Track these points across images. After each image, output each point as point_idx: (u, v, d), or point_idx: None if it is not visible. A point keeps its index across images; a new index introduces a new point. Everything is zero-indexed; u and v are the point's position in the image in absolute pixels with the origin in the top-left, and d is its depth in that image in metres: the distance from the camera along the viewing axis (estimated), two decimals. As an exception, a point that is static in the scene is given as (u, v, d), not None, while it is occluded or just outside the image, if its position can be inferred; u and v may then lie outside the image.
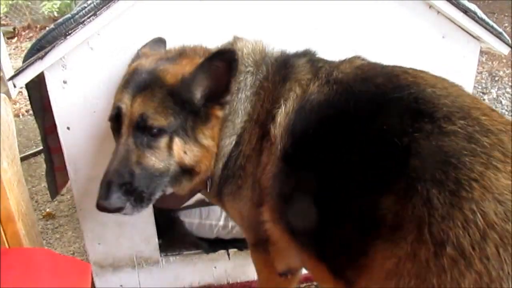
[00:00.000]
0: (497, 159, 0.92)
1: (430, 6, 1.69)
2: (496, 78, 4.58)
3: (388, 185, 1.02)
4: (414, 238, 0.93)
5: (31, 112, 3.09)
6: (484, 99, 4.15)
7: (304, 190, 1.26)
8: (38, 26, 6.91)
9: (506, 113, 3.89)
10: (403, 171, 0.99)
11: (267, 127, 1.35)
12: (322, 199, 1.21)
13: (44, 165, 2.04)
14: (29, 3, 6.94)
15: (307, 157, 1.26)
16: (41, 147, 3.16)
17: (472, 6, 1.71)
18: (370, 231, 1.05)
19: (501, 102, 4.10)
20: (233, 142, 1.41)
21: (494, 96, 4.22)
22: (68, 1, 6.52)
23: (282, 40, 1.68)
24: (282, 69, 1.42)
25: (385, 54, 1.74)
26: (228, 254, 2.07)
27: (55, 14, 6.51)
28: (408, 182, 0.98)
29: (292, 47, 1.69)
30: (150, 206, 1.87)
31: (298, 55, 1.49)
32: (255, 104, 1.41)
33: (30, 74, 1.54)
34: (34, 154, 3.46)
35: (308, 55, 1.48)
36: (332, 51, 1.71)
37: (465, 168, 0.92)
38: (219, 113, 1.38)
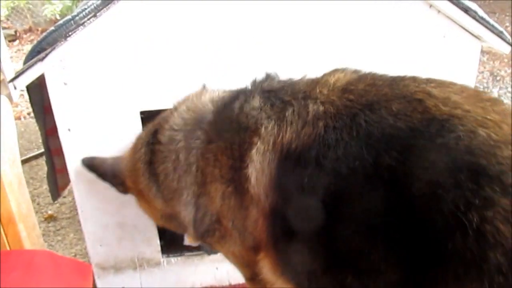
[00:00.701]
0: None
1: (431, 6, 1.69)
2: (498, 78, 4.57)
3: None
4: None
5: (32, 115, 3.08)
6: (485, 99, 4.15)
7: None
8: (40, 29, 6.92)
9: (508, 112, 3.88)
10: (478, 268, 0.74)
11: (244, 186, 1.13)
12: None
13: (46, 167, 2.04)
14: (30, 6, 6.95)
15: (300, 214, 1.02)
16: (42, 150, 3.16)
17: (473, 5, 1.70)
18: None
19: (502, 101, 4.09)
20: (192, 210, 1.33)
21: (496, 95, 4.22)
22: (70, 4, 6.53)
23: (278, 46, 1.68)
24: (228, 124, 1.20)
25: (385, 54, 1.75)
26: (230, 255, 2.07)
27: (57, 16, 6.52)
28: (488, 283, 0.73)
29: (287, 53, 1.69)
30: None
31: (246, 95, 1.21)
32: (204, 170, 1.24)
33: (30, 75, 1.54)
34: (36, 157, 3.46)
35: (259, 90, 1.20)
36: (332, 50, 1.72)
37: None
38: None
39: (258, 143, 1.10)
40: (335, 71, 1.16)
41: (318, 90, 1.08)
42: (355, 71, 1.15)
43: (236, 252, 1.34)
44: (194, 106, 1.37)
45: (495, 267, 0.73)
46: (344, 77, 1.10)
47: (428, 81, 1.00)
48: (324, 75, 1.15)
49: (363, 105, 0.96)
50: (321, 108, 1.01)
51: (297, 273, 1.12)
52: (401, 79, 1.04)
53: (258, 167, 1.09)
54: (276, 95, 1.15)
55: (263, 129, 1.10)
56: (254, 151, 1.10)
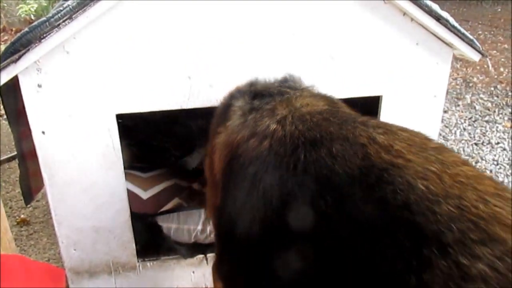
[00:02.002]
0: None
1: (404, 14, 1.73)
2: (470, 84, 4.70)
3: None
4: None
5: (5, 116, 3.03)
6: (458, 105, 4.25)
7: None
8: (14, 29, 6.79)
9: (480, 118, 3.99)
10: None
11: (213, 171, 1.26)
12: None
13: (18, 171, 2.00)
14: (5, 5, 6.81)
15: None
16: (15, 152, 3.10)
17: (445, 14, 1.75)
18: None
19: (474, 107, 4.21)
20: None
21: (468, 101, 4.33)
22: (45, 4, 6.43)
23: (260, 46, 1.70)
24: (222, 114, 1.31)
25: (360, 60, 1.78)
26: (206, 259, 2.06)
27: (32, 17, 6.41)
28: None
29: (269, 53, 1.71)
30: (127, 211, 1.87)
31: (241, 93, 1.32)
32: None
33: (3, 77, 1.51)
34: (8, 160, 3.39)
35: (249, 92, 1.30)
36: (308, 57, 1.74)
37: None
38: None
39: (222, 133, 1.18)
40: (307, 92, 1.23)
41: (281, 108, 1.11)
42: (324, 98, 1.19)
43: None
44: None
45: None
46: (308, 104, 1.12)
47: (378, 125, 0.95)
48: (296, 93, 1.21)
49: (307, 140, 0.94)
50: (273, 126, 1.03)
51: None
52: (353, 120, 1.00)
53: (217, 156, 1.17)
54: (259, 100, 1.21)
55: (229, 122, 1.18)
56: (218, 140, 1.19)
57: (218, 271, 1.33)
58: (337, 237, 0.79)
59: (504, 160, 3.36)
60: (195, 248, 2.07)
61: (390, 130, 0.92)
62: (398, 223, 0.74)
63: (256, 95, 1.25)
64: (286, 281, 0.87)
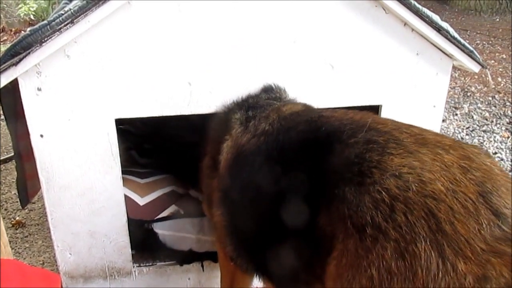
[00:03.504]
0: (391, 148, 1.05)
1: (405, 24, 1.74)
2: (468, 94, 4.71)
3: (318, 204, 1.12)
4: (343, 235, 1.02)
5: (3, 117, 3.02)
6: (456, 114, 4.27)
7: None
8: (13, 29, 6.78)
9: (477, 128, 4.00)
10: (326, 187, 1.10)
11: (217, 166, 1.61)
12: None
13: (15, 172, 1.99)
14: (5, 5, 6.81)
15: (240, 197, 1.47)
16: (12, 154, 3.09)
17: (445, 25, 1.76)
18: (319, 252, 1.12)
19: (472, 117, 4.22)
20: None
21: (466, 111, 4.34)
22: (45, 5, 6.43)
23: (261, 53, 1.71)
24: (221, 126, 1.65)
25: (360, 68, 1.79)
26: (202, 266, 2.06)
27: (32, 17, 6.41)
28: (329, 193, 1.08)
29: (269, 61, 1.72)
30: (124, 216, 1.86)
31: (237, 107, 1.66)
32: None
33: (3, 80, 1.51)
34: (5, 161, 3.38)
35: (244, 106, 1.64)
36: (308, 66, 1.75)
37: (365, 161, 1.04)
38: None
39: (228, 139, 1.57)
40: (291, 102, 1.66)
41: (273, 114, 1.50)
42: (301, 104, 1.63)
43: (205, 210, 1.88)
44: None
45: (330, 182, 1.10)
46: (291, 108, 1.53)
47: (325, 110, 1.49)
48: (285, 103, 1.62)
49: (285, 128, 1.40)
50: (267, 127, 1.45)
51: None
52: (315, 111, 1.54)
53: (224, 156, 1.56)
54: (252, 111, 1.59)
55: (233, 131, 1.56)
56: (225, 144, 1.58)
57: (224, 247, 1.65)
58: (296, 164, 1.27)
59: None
60: (190, 256, 2.06)
61: (334, 110, 1.43)
62: (322, 142, 1.22)
63: (249, 107, 1.61)
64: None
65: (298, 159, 1.28)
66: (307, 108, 1.60)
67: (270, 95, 1.71)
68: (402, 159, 1.02)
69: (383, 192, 0.97)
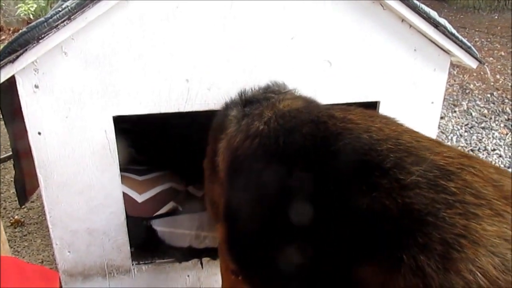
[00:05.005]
0: (472, 204, 0.83)
1: (403, 20, 1.74)
2: (467, 91, 4.71)
3: (362, 255, 0.91)
4: None
5: (0, 116, 3.02)
6: (455, 111, 4.27)
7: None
8: (11, 28, 6.77)
9: (476, 124, 4.00)
10: (377, 238, 0.89)
11: (216, 169, 1.49)
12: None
13: (13, 171, 1.99)
14: (3, 4, 6.79)
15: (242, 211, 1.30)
16: (10, 153, 3.09)
17: (442, 21, 1.76)
18: None
19: (471, 114, 4.22)
20: None
21: (465, 108, 4.34)
22: (43, 4, 6.41)
23: (259, 50, 1.70)
24: (219, 124, 1.52)
25: (357, 66, 1.78)
26: (201, 263, 2.05)
27: (31, 17, 6.39)
28: (389, 250, 0.85)
29: (267, 57, 1.71)
30: (123, 214, 1.86)
31: (234, 104, 1.53)
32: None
33: (0, 77, 1.50)
34: (3, 160, 3.38)
35: (240, 101, 1.51)
36: (306, 62, 1.75)
37: (447, 225, 0.81)
38: None
39: (224, 140, 1.42)
40: (289, 95, 1.49)
41: (267, 111, 1.34)
42: (301, 98, 1.47)
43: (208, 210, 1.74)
44: None
45: (389, 235, 0.88)
46: (289, 104, 1.37)
47: (337, 107, 1.26)
48: (280, 97, 1.45)
49: (286, 130, 1.22)
50: (261, 127, 1.28)
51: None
52: (320, 108, 1.31)
53: (221, 158, 1.42)
54: (250, 107, 1.44)
55: (228, 130, 1.41)
56: (221, 144, 1.43)
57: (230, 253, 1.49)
58: (313, 186, 1.06)
59: (500, 166, 3.37)
60: (190, 253, 2.06)
61: (345, 108, 1.23)
62: (350, 164, 1.00)
63: (246, 103, 1.48)
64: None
65: (319, 180, 1.05)
66: (308, 104, 1.43)
67: (268, 89, 1.58)
68: (494, 227, 0.79)
69: (479, 274, 0.75)
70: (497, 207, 0.82)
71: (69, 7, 1.50)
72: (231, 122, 1.43)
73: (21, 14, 6.46)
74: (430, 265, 0.79)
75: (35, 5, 6.40)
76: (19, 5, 6.49)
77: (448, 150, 0.97)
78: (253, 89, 1.61)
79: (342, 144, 1.04)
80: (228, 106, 1.57)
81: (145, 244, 2.02)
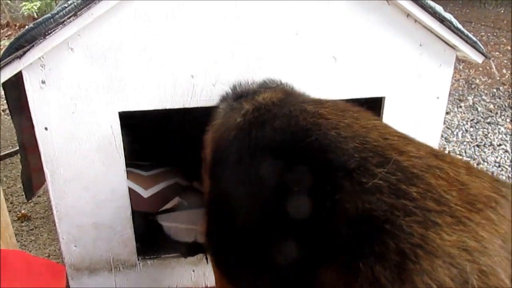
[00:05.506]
0: (433, 211, 0.78)
1: (408, 15, 1.73)
2: (473, 86, 4.69)
3: (326, 257, 0.89)
4: None
5: (7, 111, 3.04)
6: (460, 106, 4.25)
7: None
8: (17, 24, 6.80)
9: (482, 120, 3.99)
10: (338, 242, 0.86)
11: (205, 161, 1.47)
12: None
13: (20, 166, 2.00)
14: (8, 1, 6.81)
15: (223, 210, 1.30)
16: (17, 148, 3.11)
17: (448, 16, 1.75)
18: None
19: (477, 109, 4.20)
20: None
21: (470, 103, 4.32)
22: (49, 1, 6.42)
23: (263, 45, 1.70)
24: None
25: (362, 62, 1.78)
26: (207, 258, 2.07)
27: (35, 15, 6.41)
28: (347, 256, 0.82)
29: (271, 53, 1.72)
30: (128, 209, 1.87)
31: (226, 97, 1.53)
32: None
33: (7, 73, 1.52)
34: (10, 155, 3.40)
35: (231, 95, 1.50)
36: (311, 58, 1.75)
37: (404, 234, 0.76)
38: None
39: (209, 132, 1.42)
40: (274, 89, 1.45)
41: (246, 104, 1.33)
42: (283, 91, 1.43)
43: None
44: None
45: (349, 241, 0.84)
46: (268, 97, 1.34)
47: (305, 100, 1.25)
48: (262, 91, 1.42)
49: (258, 123, 1.20)
50: (238, 119, 1.27)
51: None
52: (295, 102, 1.27)
53: (208, 150, 1.40)
54: (237, 101, 1.42)
55: (215, 121, 1.41)
56: (206, 137, 1.44)
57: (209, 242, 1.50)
58: (280, 182, 1.04)
59: (506, 162, 3.36)
60: (195, 248, 2.07)
61: (318, 101, 1.23)
62: (315, 162, 0.98)
63: (237, 96, 1.46)
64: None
65: (286, 176, 1.03)
66: (286, 97, 1.36)
67: (262, 84, 1.55)
68: (454, 236, 0.75)
69: (435, 287, 0.72)
70: (459, 213, 0.77)
71: (75, 3, 1.51)
72: (219, 114, 1.43)
73: (25, 12, 6.47)
74: (386, 276, 0.75)
75: (39, 3, 6.41)
76: (23, 3, 6.51)
77: (416, 149, 0.92)
78: (247, 83, 1.59)
79: (309, 141, 1.01)
80: (221, 99, 1.58)
81: (151, 239, 2.03)
